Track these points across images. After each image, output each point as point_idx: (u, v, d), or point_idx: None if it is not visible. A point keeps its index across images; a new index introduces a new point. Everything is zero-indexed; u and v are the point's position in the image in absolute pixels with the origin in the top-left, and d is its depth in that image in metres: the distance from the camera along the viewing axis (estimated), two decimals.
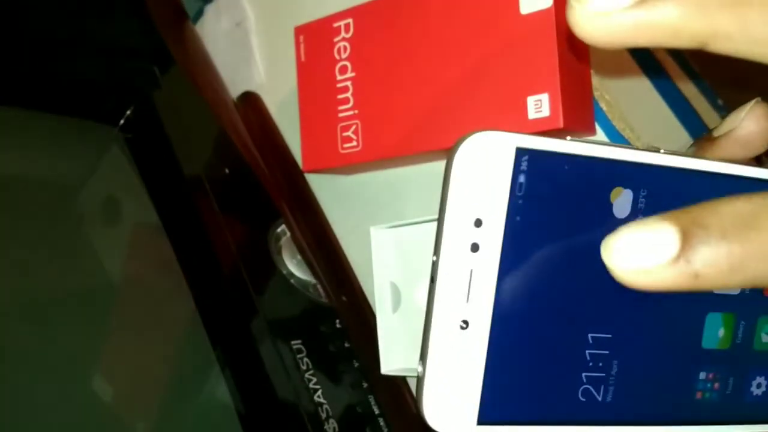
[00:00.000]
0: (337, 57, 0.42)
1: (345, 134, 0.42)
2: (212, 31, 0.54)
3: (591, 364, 0.21)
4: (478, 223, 0.20)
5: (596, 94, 0.37)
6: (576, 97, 0.36)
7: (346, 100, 0.42)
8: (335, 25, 0.42)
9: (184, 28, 0.52)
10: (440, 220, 0.20)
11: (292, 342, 0.41)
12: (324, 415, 0.39)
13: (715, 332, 0.22)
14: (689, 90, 0.91)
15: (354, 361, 0.41)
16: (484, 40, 0.37)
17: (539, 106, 0.35)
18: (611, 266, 0.17)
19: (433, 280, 0.20)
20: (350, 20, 0.41)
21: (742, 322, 0.22)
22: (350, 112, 0.41)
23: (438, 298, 0.20)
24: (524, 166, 0.20)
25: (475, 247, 0.20)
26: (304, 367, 0.40)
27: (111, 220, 0.48)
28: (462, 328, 0.20)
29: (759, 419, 0.23)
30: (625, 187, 0.21)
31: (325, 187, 0.47)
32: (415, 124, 0.39)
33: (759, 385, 0.23)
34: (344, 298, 0.44)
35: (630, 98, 0.66)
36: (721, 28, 0.17)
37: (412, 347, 0.40)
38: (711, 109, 0.93)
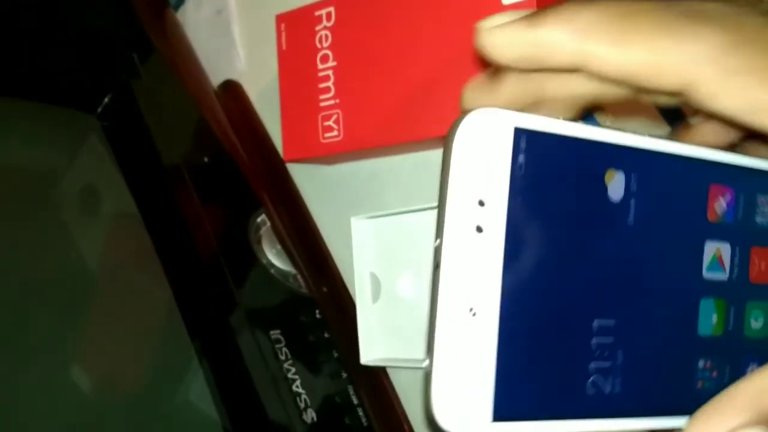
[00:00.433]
0: (318, 46, 0.42)
1: (326, 123, 0.41)
2: (193, 19, 0.53)
3: (597, 352, 0.20)
4: (481, 203, 0.19)
5: None
6: None
7: (327, 90, 0.41)
8: (317, 13, 0.42)
9: (165, 16, 0.52)
10: (442, 203, 0.19)
11: (271, 332, 0.41)
12: (302, 405, 0.39)
13: (709, 318, 0.22)
14: None
15: (333, 351, 0.41)
16: (465, 31, 0.36)
17: None
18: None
19: (437, 266, 0.19)
20: (332, 9, 0.41)
21: (732, 308, 0.23)
22: (331, 102, 0.41)
23: (444, 284, 0.18)
24: (523, 145, 0.19)
25: (479, 229, 0.19)
26: (283, 357, 0.40)
27: (89, 209, 0.48)
28: (471, 314, 0.19)
29: None
30: (618, 169, 0.20)
31: (306, 177, 0.47)
32: (396, 114, 0.39)
33: None
34: (324, 289, 0.44)
35: None
36: (597, 52, 0.18)
37: (391, 337, 0.40)
38: None
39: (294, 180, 0.47)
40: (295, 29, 0.43)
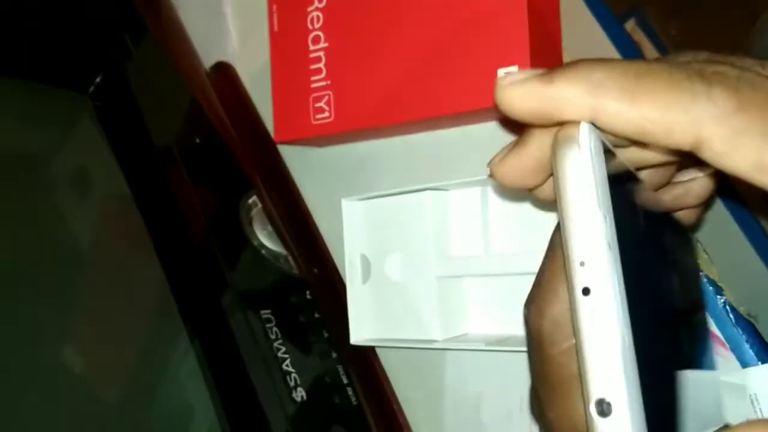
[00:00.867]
0: (310, 27, 0.42)
1: (317, 105, 0.41)
2: (186, 0, 0.53)
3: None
4: (604, 218, 0.18)
5: None
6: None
7: (318, 71, 0.41)
8: None
9: None
10: (574, 217, 0.18)
11: (262, 312, 0.41)
12: (292, 384, 0.39)
13: None
14: None
15: (324, 331, 0.42)
16: (456, 12, 0.37)
17: None
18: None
19: (587, 291, 0.18)
20: None
21: None
22: (323, 83, 0.41)
23: (603, 313, 0.17)
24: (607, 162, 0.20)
25: (609, 246, 0.18)
26: (273, 336, 0.40)
27: (80, 190, 0.48)
28: (624, 341, 0.18)
29: None
30: None
31: (297, 159, 0.47)
32: (386, 95, 0.39)
33: None
34: (315, 270, 0.44)
35: None
36: (609, 108, 0.19)
37: (381, 318, 0.40)
38: None
39: (285, 162, 0.47)
40: (286, 10, 0.43)
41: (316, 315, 0.42)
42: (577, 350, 0.18)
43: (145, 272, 0.46)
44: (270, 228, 0.43)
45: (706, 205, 0.29)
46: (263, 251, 0.43)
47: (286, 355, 0.40)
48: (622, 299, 0.18)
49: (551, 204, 0.22)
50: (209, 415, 0.41)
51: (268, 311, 0.41)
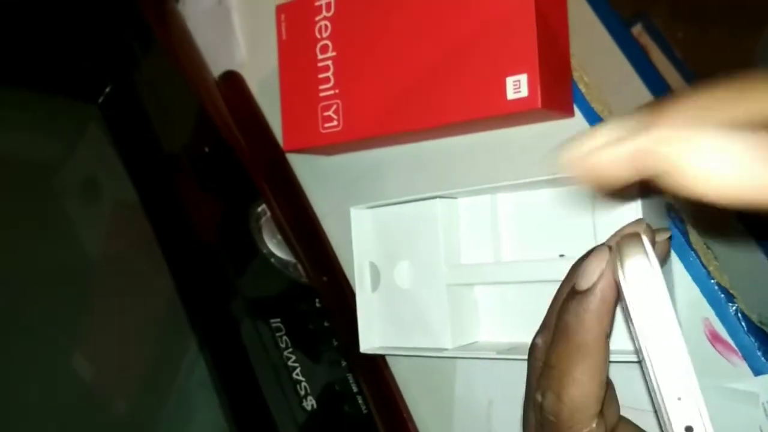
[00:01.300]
0: (318, 36, 0.42)
1: (326, 114, 0.42)
2: (194, 10, 0.53)
3: None
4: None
5: (575, 75, 0.38)
6: (555, 78, 0.36)
7: (326, 80, 0.42)
8: (317, 3, 0.42)
9: (166, 6, 0.52)
10: (663, 348, 0.19)
11: (271, 320, 0.41)
12: (303, 392, 0.39)
13: None
14: (672, 76, 0.92)
15: (333, 339, 0.42)
16: (464, 21, 0.37)
17: (518, 86, 0.35)
18: None
19: (690, 429, 0.19)
20: None
21: None
22: (331, 92, 0.41)
23: None
24: None
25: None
26: (283, 345, 0.40)
27: (90, 199, 0.48)
28: None
29: None
30: None
31: (306, 168, 0.47)
32: (394, 104, 0.39)
33: None
34: (324, 278, 0.44)
35: (612, 82, 0.66)
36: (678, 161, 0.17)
37: (390, 326, 0.40)
38: None
39: (294, 170, 0.47)
40: (295, 19, 0.43)
41: (326, 323, 0.42)
42: None
43: (154, 280, 0.46)
44: (279, 236, 0.44)
45: None
46: (272, 260, 0.44)
47: (296, 364, 0.40)
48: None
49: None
50: (219, 423, 0.41)
51: (278, 320, 0.41)
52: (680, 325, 0.19)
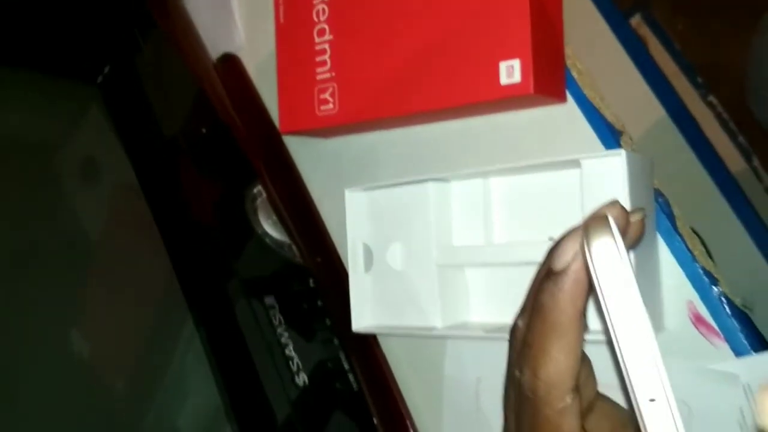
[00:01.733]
0: (315, 19, 0.42)
1: (322, 96, 0.42)
2: None
3: None
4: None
5: (569, 62, 0.38)
6: (548, 64, 0.36)
7: (323, 63, 0.42)
8: None
9: None
10: (628, 326, 0.20)
11: (265, 298, 0.42)
12: (295, 369, 0.40)
13: None
14: (670, 68, 0.92)
15: (326, 318, 0.42)
16: (459, 5, 0.37)
17: (511, 71, 0.35)
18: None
19: (653, 400, 0.19)
20: None
21: None
22: (327, 75, 0.42)
23: (671, 419, 0.19)
24: None
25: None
26: (277, 323, 0.41)
27: (89, 179, 0.49)
28: None
29: None
30: None
31: (302, 150, 0.48)
32: (390, 87, 0.39)
33: None
34: (318, 259, 0.45)
35: (608, 72, 0.67)
36: None
37: (382, 306, 0.41)
38: (691, 87, 0.94)
39: (290, 152, 0.48)
40: (292, 3, 0.44)
41: (319, 303, 0.43)
42: None
43: (151, 259, 0.47)
44: (274, 217, 0.44)
45: None
46: (267, 240, 0.44)
47: (289, 341, 0.41)
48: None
49: None
50: (213, 397, 0.42)
51: (272, 298, 0.42)
52: (648, 305, 0.20)
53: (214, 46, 0.51)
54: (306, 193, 0.46)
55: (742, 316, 0.34)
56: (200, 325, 0.44)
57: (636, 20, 0.92)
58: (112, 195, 0.50)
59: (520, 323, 0.26)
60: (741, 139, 0.86)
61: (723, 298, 0.34)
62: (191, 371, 0.44)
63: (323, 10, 0.42)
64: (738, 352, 0.33)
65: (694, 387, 0.34)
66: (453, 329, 0.39)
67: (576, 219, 0.36)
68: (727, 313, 0.34)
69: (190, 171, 0.47)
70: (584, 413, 0.25)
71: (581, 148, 0.37)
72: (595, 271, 0.20)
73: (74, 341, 0.47)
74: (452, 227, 0.40)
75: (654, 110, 0.65)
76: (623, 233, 0.20)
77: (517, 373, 0.24)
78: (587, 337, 0.32)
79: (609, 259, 0.20)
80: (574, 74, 0.38)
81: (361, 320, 0.41)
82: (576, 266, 0.22)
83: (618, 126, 0.37)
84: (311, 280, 0.43)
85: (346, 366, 0.41)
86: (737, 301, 0.35)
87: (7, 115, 0.48)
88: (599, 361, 0.29)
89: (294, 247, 0.44)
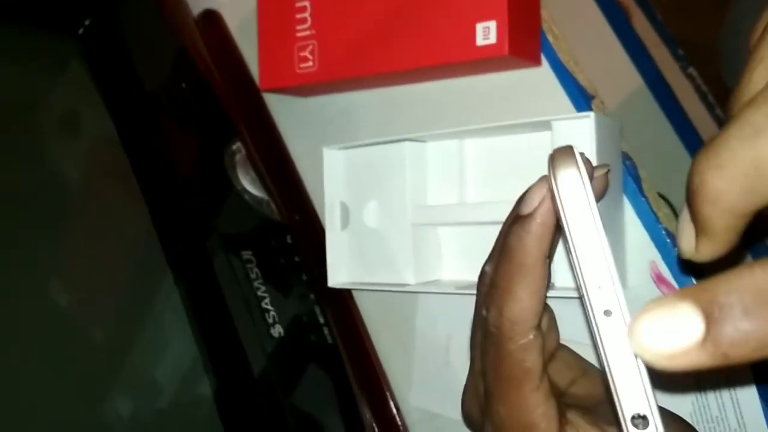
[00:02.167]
0: None
1: (302, 54, 0.42)
2: None
3: None
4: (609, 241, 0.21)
5: (545, 26, 0.39)
6: (524, 27, 0.37)
7: (303, 20, 0.42)
8: None
9: None
10: (587, 243, 0.20)
11: (243, 253, 0.43)
12: (271, 321, 0.41)
13: None
14: (651, 38, 0.92)
15: (302, 274, 0.43)
16: None
17: (487, 33, 0.36)
18: (641, 354, 0.17)
19: (608, 313, 0.20)
20: None
21: None
22: (307, 33, 0.42)
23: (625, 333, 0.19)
24: None
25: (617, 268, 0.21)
26: (254, 276, 0.42)
27: (68, 131, 0.49)
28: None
29: None
30: None
31: (282, 109, 0.48)
32: (368, 46, 0.40)
33: None
34: (296, 217, 0.45)
35: (586, 36, 0.67)
36: None
37: (357, 262, 0.42)
38: (671, 58, 0.95)
39: (270, 110, 0.48)
40: None
41: (296, 258, 0.44)
42: (604, 370, 0.20)
43: (131, 213, 0.47)
44: (253, 174, 0.45)
45: None
46: (246, 196, 0.45)
47: (266, 294, 0.42)
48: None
49: None
50: (191, 348, 0.43)
51: (250, 252, 0.43)
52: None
53: (195, 2, 0.51)
54: (285, 150, 0.47)
55: (701, 276, 0.35)
56: (178, 277, 0.44)
57: None
58: (92, 148, 0.50)
59: (488, 268, 0.27)
60: (719, 111, 0.87)
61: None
62: (169, 323, 0.45)
63: None
64: None
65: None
66: (425, 286, 0.40)
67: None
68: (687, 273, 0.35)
69: (170, 126, 0.47)
70: (546, 362, 0.27)
71: (554, 110, 0.38)
72: (559, 194, 0.21)
73: (52, 292, 0.47)
74: (427, 187, 0.41)
75: (632, 79, 0.65)
76: (588, 177, 0.21)
77: (483, 312, 0.25)
78: (553, 293, 0.33)
79: (573, 184, 0.21)
80: (550, 38, 0.39)
81: (337, 276, 0.42)
82: (542, 210, 0.23)
83: (590, 90, 0.38)
84: (288, 237, 0.44)
85: (321, 320, 0.42)
86: None
87: None
88: (564, 318, 0.30)
89: (272, 204, 0.45)
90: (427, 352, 0.42)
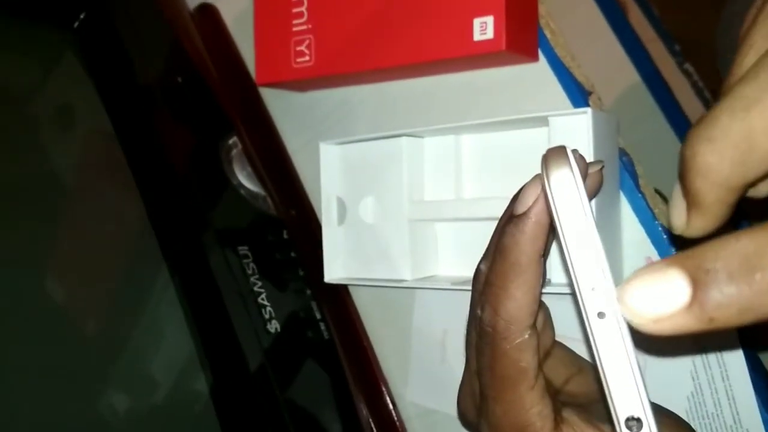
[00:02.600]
0: None
1: (298, 48, 0.42)
2: None
3: None
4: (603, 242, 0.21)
5: (542, 21, 0.39)
6: (521, 22, 0.37)
7: (300, 14, 0.42)
8: None
9: None
10: (580, 244, 0.20)
11: (240, 248, 0.42)
12: (267, 316, 0.41)
13: None
14: (648, 33, 0.92)
15: (299, 269, 0.43)
16: None
17: (484, 28, 0.36)
18: (630, 318, 0.17)
19: (602, 315, 0.19)
20: None
21: None
22: (304, 27, 0.42)
23: (619, 335, 0.19)
24: None
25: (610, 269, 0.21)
26: (250, 272, 0.42)
27: (63, 124, 0.48)
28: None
29: None
30: None
31: (278, 103, 0.48)
32: (365, 41, 0.40)
33: None
34: (293, 212, 0.45)
35: (583, 32, 0.67)
36: None
37: (354, 258, 0.42)
38: (668, 54, 0.95)
39: (267, 106, 0.48)
40: None
41: (293, 254, 0.44)
42: (598, 371, 0.20)
43: (126, 207, 0.47)
44: (249, 169, 0.45)
45: None
46: (242, 191, 0.45)
47: (262, 290, 0.42)
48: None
49: None
50: (187, 344, 0.43)
51: (246, 248, 0.43)
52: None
53: None
54: (281, 145, 0.47)
55: None
56: (174, 272, 0.44)
57: None
58: (87, 141, 0.50)
59: (483, 266, 0.27)
60: None
61: None
62: (165, 318, 0.45)
63: None
64: None
65: (647, 340, 0.36)
66: (422, 281, 0.40)
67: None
68: None
69: (165, 120, 0.47)
70: (542, 359, 0.27)
71: (551, 106, 0.38)
72: (552, 196, 0.21)
73: (47, 285, 0.47)
74: (424, 182, 0.41)
75: (629, 75, 0.65)
76: (582, 176, 0.21)
77: (478, 311, 0.25)
78: (549, 289, 0.33)
79: (565, 184, 0.21)
80: (547, 33, 0.38)
81: (334, 272, 0.42)
82: (536, 209, 0.23)
83: (587, 86, 0.38)
84: (285, 232, 0.44)
85: (318, 315, 0.42)
86: None
87: None
88: (559, 314, 0.30)
89: (268, 199, 0.45)
90: (423, 347, 0.42)
